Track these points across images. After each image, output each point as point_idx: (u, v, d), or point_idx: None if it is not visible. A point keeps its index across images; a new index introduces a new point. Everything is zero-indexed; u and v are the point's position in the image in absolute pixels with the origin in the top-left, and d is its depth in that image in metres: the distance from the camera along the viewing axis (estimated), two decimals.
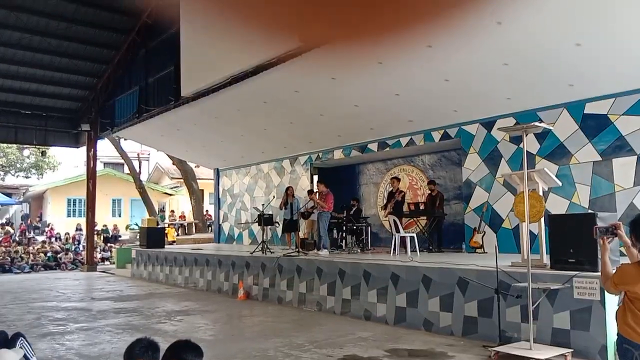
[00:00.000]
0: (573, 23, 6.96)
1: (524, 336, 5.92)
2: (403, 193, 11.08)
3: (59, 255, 20.14)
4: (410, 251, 9.47)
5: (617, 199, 8.22)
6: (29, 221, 28.05)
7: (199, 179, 24.94)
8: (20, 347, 4.83)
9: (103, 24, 15.53)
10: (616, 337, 3.08)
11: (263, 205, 12.52)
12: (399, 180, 11.55)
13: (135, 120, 15.64)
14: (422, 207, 11.16)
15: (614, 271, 3.11)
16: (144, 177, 29.83)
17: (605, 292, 5.36)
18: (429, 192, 11.21)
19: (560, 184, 6.94)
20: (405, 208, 11.45)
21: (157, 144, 18.93)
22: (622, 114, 8.18)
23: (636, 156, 8.01)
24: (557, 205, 8.72)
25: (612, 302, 5.37)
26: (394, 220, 10.05)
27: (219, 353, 6.17)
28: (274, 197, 15.05)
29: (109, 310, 9.49)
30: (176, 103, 13.42)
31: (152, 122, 15.01)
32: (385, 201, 11.80)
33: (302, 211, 12.26)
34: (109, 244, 22.92)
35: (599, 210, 7.85)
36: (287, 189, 12.66)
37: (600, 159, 8.44)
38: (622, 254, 6.13)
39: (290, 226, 12.14)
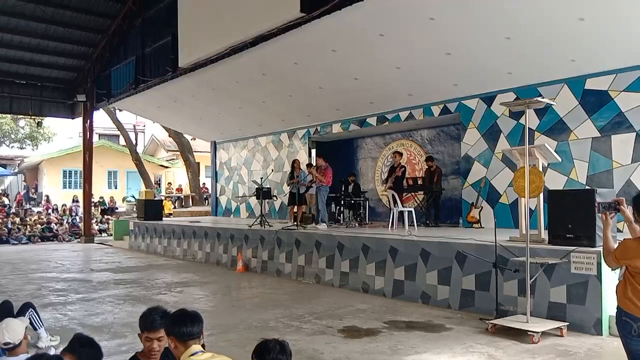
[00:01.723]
0: None
1: (520, 309, 6.03)
2: (404, 168, 11.07)
3: (55, 227, 20.18)
4: (408, 225, 9.54)
5: (615, 175, 8.26)
6: (30, 193, 27.97)
7: (196, 151, 24.87)
8: (29, 317, 4.90)
9: None
10: (616, 310, 3.14)
11: (262, 178, 12.52)
12: (401, 154, 11.49)
13: (132, 91, 15.50)
14: (420, 182, 11.20)
15: (615, 246, 3.16)
16: (139, 149, 29.74)
17: (602, 267, 5.45)
18: (427, 167, 11.24)
19: (560, 159, 6.97)
20: (404, 183, 11.49)
21: (154, 116, 18.79)
22: (623, 90, 8.16)
23: (635, 133, 8.02)
24: (555, 181, 8.76)
25: (608, 276, 5.47)
26: (393, 195, 10.09)
27: (220, 323, 6.26)
28: (272, 170, 15.05)
29: (109, 282, 9.57)
30: (173, 74, 13.28)
31: (149, 93, 14.88)
32: (386, 175, 11.80)
33: (303, 183, 12.20)
34: (105, 216, 22.95)
35: (597, 187, 7.91)
36: (294, 161, 12.50)
37: (599, 135, 8.45)
38: (618, 230, 6.21)
39: (297, 199, 11.95)
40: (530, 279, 5.61)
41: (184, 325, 2.65)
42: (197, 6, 11.99)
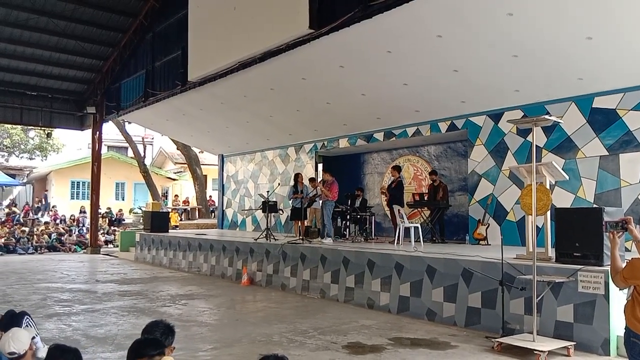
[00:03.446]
0: (584, 16, 6.92)
1: (527, 328, 5.97)
2: (398, 181, 11.13)
3: (62, 237, 20.25)
4: (414, 241, 9.50)
5: (623, 194, 8.23)
6: (37, 202, 28.09)
7: (203, 164, 24.97)
8: (26, 326, 4.88)
9: (111, 7, 15.44)
10: (624, 330, 3.11)
11: (268, 192, 12.54)
12: (398, 170, 11.53)
13: (141, 103, 15.64)
14: (426, 198, 11.18)
15: (623, 265, 3.13)
16: (147, 162, 29.86)
17: (610, 286, 5.40)
18: (431, 182, 11.23)
19: (567, 177, 6.94)
20: (409, 198, 11.47)
21: (162, 129, 18.93)
22: (631, 109, 8.15)
23: None
24: (562, 199, 8.72)
25: (616, 296, 5.41)
26: (399, 210, 10.07)
27: (223, 337, 6.23)
28: (278, 184, 15.08)
29: (114, 293, 9.57)
30: (183, 87, 13.40)
31: (158, 106, 15.01)
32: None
33: (307, 197, 12.22)
34: (112, 227, 23.01)
35: (604, 205, 7.87)
36: (297, 175, 12.55)
37: (607, 153, 8.43)
38: (626, 249, 6.16)
39: (300, 213, 12.01)
40: (537, 298, 5.57)
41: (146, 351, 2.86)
42: (207, 22, 12.13)
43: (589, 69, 8.06)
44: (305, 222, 12.46)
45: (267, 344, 5.85)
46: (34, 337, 5.16)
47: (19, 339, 3.44)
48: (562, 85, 8.60)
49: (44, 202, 27.84)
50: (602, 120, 8.48)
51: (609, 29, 7.08)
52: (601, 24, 7.00)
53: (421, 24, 8.04)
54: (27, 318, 5.18)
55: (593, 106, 8.59)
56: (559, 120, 6.78)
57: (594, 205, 8.30)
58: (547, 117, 5.98)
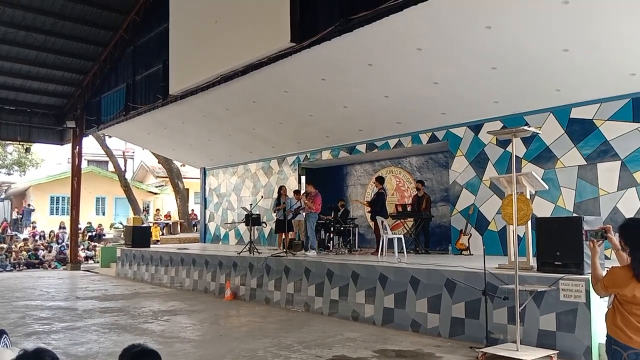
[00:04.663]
0: (560, 29, 7.06)
1: (510, 337, 6.00)
2: (381, 192, 11.18)
3: (42, 254, 19.88)
4: (398, 252, 9.53)
5: (601, 202, 8.37)
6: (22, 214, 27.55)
7: (185, 178, 24.79)
8: (4, 345, 4.76)
9: (90, 20, 15.35)
10: (606, 338, 3.15)
11: (251, 205, 12.49)
12: (381, 181, 11.53)
13: (122, 117, 15.51)
14: (409, 209, 11.24)
15: (604, 274, 3.18)
16: (128, 176, 29.56)
17: (591, 295, 5.47)
18: (416, 190, 11.29)
19: (547, 187, 7.04)
20: (392, 210, 11.50)
21: (144, 142, 18.77)
22: (607, 119, 8.32)
23: (620, 161, 8.16)
24: (543, 209, 8.83)
25: (597, 304, 5.47)
26: (382, 222, 10.10)
27: (207, 353, 6.16)
28: (261, 197, 15.02)
29: (95, 310, 9.40)
30: (164, 101, 13.33)
31: (139, 119, 14.90)
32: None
33: (291, 209, 12.19)
34: (93, 243, 22.67)
35: (584, 214, 7.99)
36: (281, 188, 12.56)
37: (585, 163, 8.58)
38: (606, 257, 6.25)
39: (284, 226, 11.99)
40: (519, 307, 5.61)
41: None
42: (188, 35, 12.12)
43: (566, 80, 8.22)
44: (290, 235, 12.43)
45: (251, 359, 5.79)
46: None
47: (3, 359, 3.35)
48: (540, 96, 8.75)
49: (23, 214, 27.31)
50: (580, 131, 8.64)
51: (585, 41, 7.23)
52: (577, 36, 7.15)
53: (401, 37, 8.13)
54: (5, 337, 5.06)
55: (571, 117, 8.75)
56: (538, 131, 6.88)
57: (574, 214, 8.42)
58: (526, 128, 6.09)
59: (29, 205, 28.04)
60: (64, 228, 22.97)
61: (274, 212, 12.45)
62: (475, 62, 8.26)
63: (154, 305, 9.95)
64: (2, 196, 31.45)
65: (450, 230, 10.67)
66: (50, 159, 33.50)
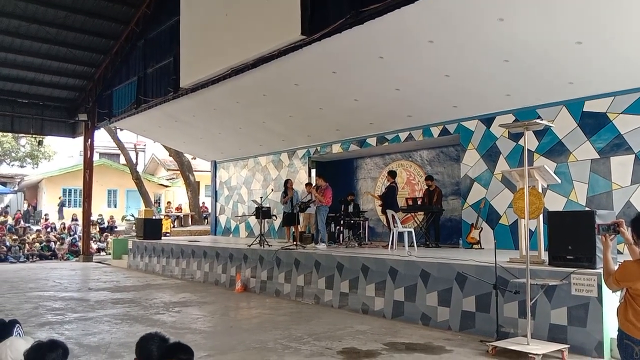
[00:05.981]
0: (574, 21, 6.98)
1: (521, 331, 5.98)
2: (392, 186, 11.11)
3: (54, 246, 20.10)
4: (408, 246, 9.51)
5: (614, 197, 8.29)
6: (30, 210, 27.84)
7: (196, 170, 24.91)
8: (17, 335, 4.82)
9: (102, 14, 15.42)
10: (617, 332, 3.13)
11: (261, 198, 12.53)
12: (393, 175, 11.43)
13: (133, 110, 15.59)
14: (419, 202, 11.21)
15: (616, 268, 3.15)
16: (140, 168, 29.77)
17: (603, 289, 5.43)
18: (427, 187, 11.26)
19: (559, 181, 6.98)
20: (402, 203, 11.48)
21: (155, 135, 18.87)
22: (621, 113, 8.23)
23: (634, 155, 8.07)
24: (555, 203, 8.77)
25: (609, 298, 5.43)
26: (392, 215, 10.08)
27: (218, 344, 6.21)
28: (272, 190, 15.06)
29: (107, 301, 9.51)
30: (175, 94, 13.38)
31: (150, 112, 14.97)
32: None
33: (300, 203, 12.24)
34: (104, 235, 22.88)
35: (596, 208, 7.92)
36: (287, 181, 12.64)
37: (598, 157, 8.50)
38: (619, 252, 6.21)
39: (291, 219, 12.07)
40: (530, 301, 5.59)
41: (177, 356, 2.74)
42: (198, 28, 12.14)
43: (579, 74, 8.13)
44: (300, 228, 12.48)
45: (262, 351, 5.83)
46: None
47: (17, 349, 3.40)
48: (553, 90, 8.67)
49: (34, 210, 27.62)
50: (593, 124, 8.55)
51: (598, 34, 7.15)
52: (591, 29, 7.07)
53: (412, 30, 8.09)
54: (18, 326, 5.13)
55: (584, 110, 8.66)
56: (550, 124, 6.83)
57: (586, 208, 8.35)
58: (538, 121, 6.02)
59: (59, 198, 28.21)
60: (76, 220, 23.20)
61: (282, 203, 12.57)
62: (487, 55, 8.19)
63: (165, 296, 10.03)
64: (15, 188, 31.81)
65: (461, 224, 10.63)
66: (63, 151, 33.79)
